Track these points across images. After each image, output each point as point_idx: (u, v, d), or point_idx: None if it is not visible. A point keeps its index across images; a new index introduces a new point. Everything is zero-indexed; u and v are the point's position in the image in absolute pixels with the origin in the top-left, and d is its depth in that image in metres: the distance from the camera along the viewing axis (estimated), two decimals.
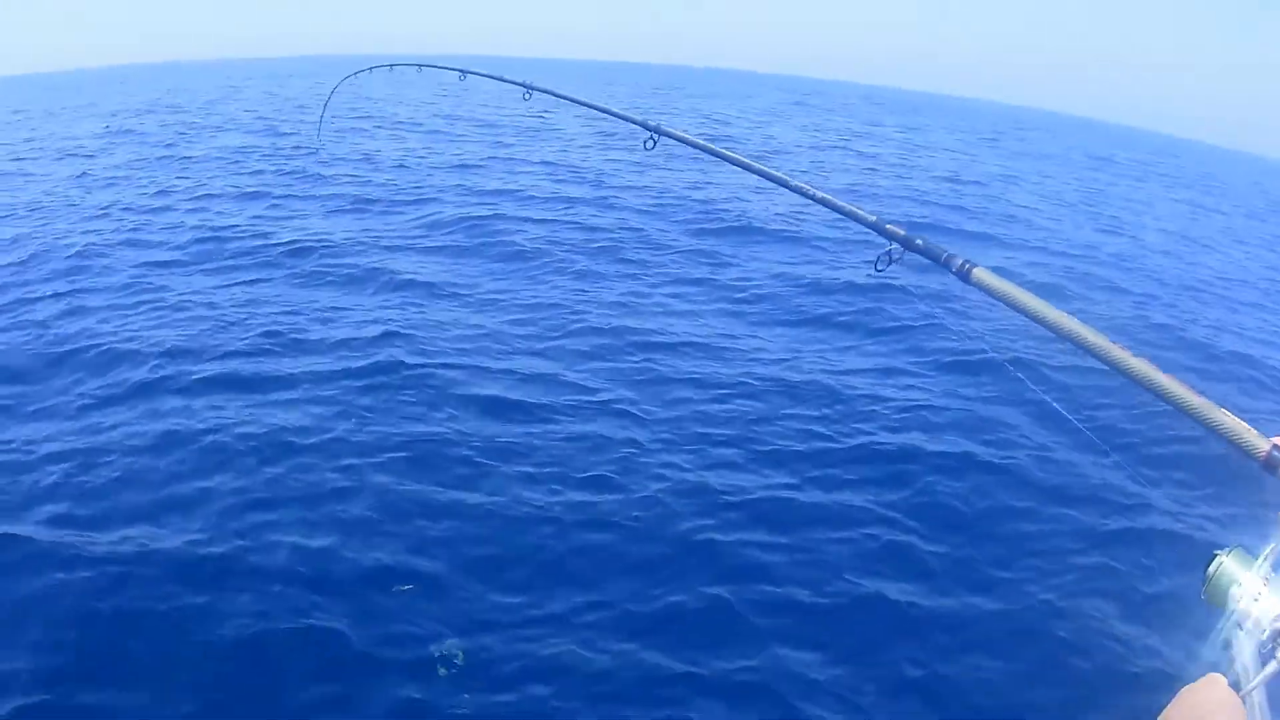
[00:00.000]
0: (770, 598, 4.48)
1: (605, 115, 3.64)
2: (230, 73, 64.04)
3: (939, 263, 1.62)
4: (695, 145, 2.87)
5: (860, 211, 1.93)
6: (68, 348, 7.28)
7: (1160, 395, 1.28)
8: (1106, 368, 1.35)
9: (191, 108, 30.55)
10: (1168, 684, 1.06)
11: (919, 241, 1.73)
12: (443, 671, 3.85)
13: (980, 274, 1.49)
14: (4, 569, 4.35)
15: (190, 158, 17.94)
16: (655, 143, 2.91)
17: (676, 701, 3.77)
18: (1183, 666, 1.08)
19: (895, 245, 1.79)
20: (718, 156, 2.75)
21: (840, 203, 1.97)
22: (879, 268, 1.80)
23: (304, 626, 4.06)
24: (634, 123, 3.06)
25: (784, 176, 2.37)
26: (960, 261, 1.55)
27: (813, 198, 2.21)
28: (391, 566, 4.51)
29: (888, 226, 1.83)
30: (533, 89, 4.57)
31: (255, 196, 13.87)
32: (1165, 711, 1.08)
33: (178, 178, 15.46)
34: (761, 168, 2.51)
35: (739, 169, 2.70)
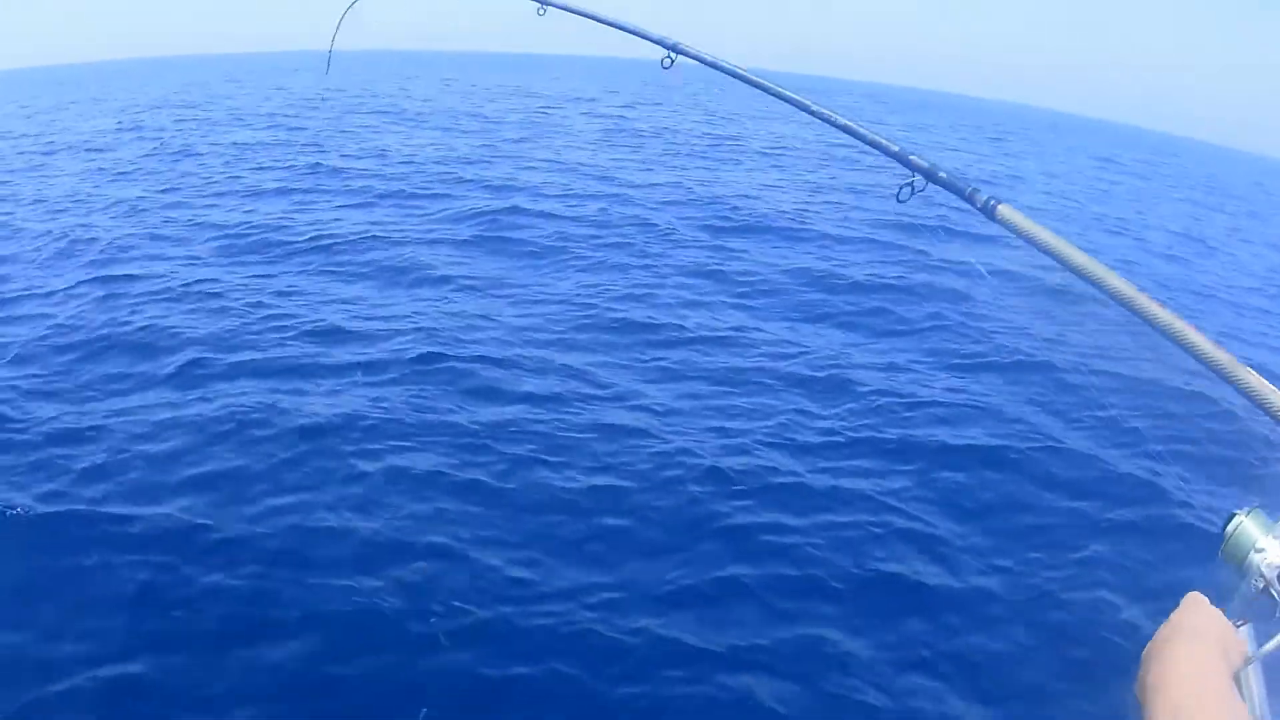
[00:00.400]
0: (785, 577, 4.65)
1: (621, 33, 3.44)
2: (233, 68, 64.17)
3: (963, 197, 1.58)
4: (716, 66, 2.67)
5: (883, 140, 1.87)
6: (101, 335, 7.46)
7: (1185, 348, 1.23)
8: (1137, 320, 1.32)
9: (201, 103, 30.67)
10: None
11: (942, 174, 1.69)
12: (469, 645, 4.02)
13: (1005, 211, 1.47)
14: (56, 549, 4.52)
15: (205, 153, 18.09)
16: (673, 61, 2.78)
17: (695, 677, 3.93)
18: None
19: (918, 177, 1.74)
20: (739, 78, 2.54)
21: (863, 131, 1.92)
22: (901, 199, 1.75)
23: (343, 605, 4.22)
24: (650, 39, 2.95)
25: (805, 101, 2.27)
26: (985, 197, 1.51)
27: (835, 124, 2.14)
28: (422, 547, 4.68)
29: (911, 157, 1.78)
30: (548, 4, 4.44)
31: (273, 192, 14.05)
32: (1155, 635, 1.11)
33: (195, 173, 15.62)
34: (783, 91, 2.38)
35: (761, 92, 2.48)
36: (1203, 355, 1.23)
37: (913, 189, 1.72)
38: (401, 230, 11.60)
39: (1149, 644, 1.10)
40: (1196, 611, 1.11)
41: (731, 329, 8.51)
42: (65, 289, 8.81)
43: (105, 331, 7.55)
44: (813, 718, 3.75)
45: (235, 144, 19.41)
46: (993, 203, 1.48)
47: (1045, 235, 1.42)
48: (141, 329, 7.63)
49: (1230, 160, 71.87)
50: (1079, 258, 1.37)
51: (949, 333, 8.92)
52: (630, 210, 13.60)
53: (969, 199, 1.54)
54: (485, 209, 12.90)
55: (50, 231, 11.18)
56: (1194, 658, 1.00)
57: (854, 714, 3.79)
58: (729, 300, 9.50)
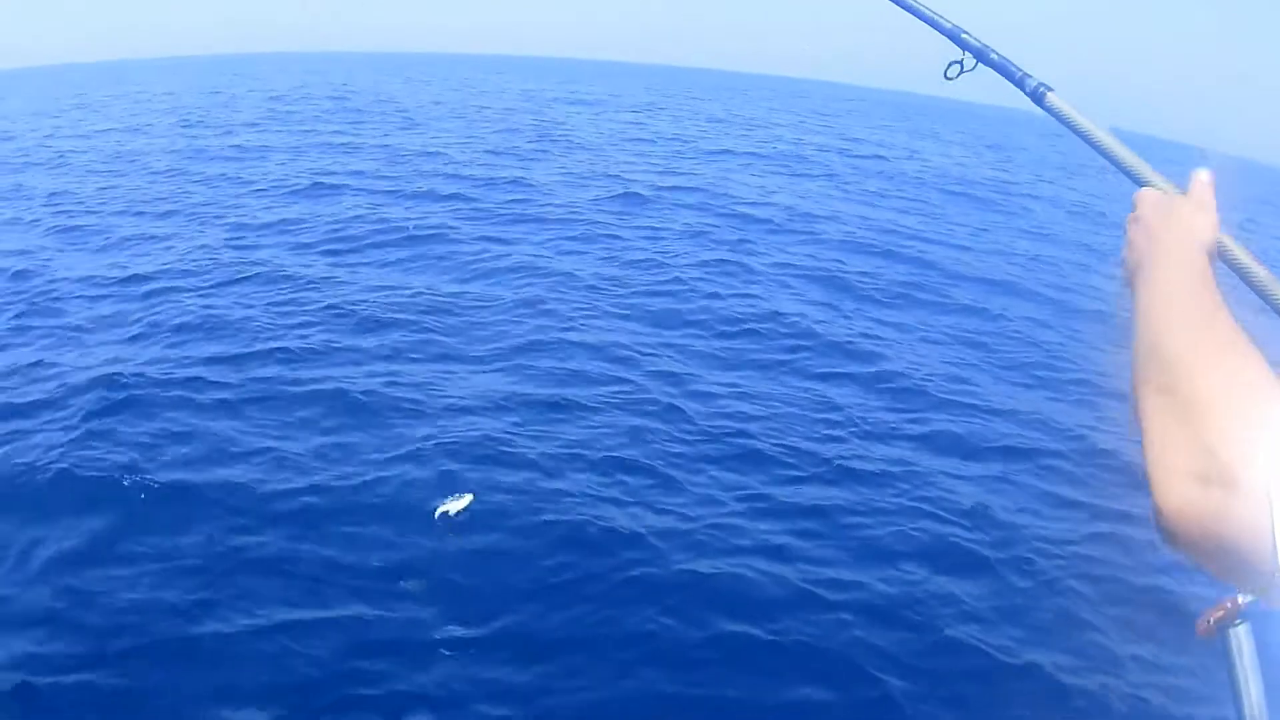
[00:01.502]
0: (831, 539, 5.17)
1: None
2: (231, 68, 64.19)
3: (1013, 81, 1.52)
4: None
5: (937, 16, 1.80)
6: (198, 320, 8.06)
7: (1232, 266, 1.14)
8: None
9: (213, 107, 30.92)
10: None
11: (994, 55, 1.64)
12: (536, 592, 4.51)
13: (1054, 99, 1.44)
14: (192, 517, 4.96)
15: (230, 156, 18.40)
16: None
17: (797, 619, 4.42)
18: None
19: (969, 55, 1.66)
20: None
21: (917, 4, 1.85)
22: (949, 75, 1.68)
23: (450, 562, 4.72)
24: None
25: None
26: (1035, 83, 1.47)
27: None
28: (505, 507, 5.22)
29: (963, 35, 1.70)
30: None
31: (311, 191, 14.58)
32: (1131, 245, 1.09)
33: (232, 175, 15.90)
34: None
35: None
36: (1248, 274, 1.14)
37: (961, 67, 1.69)
38: (446, 227, 12.18)
39: (1127, 251, 1.11)
40: (1165, 213, 1.09)
41: (765, 315, 9.18)
42: (156, 276, 9.38)
43: (202, 317, 8.15)
44: (911, 660, 4.19)
45: (264, 146, 19.77)
46: (1042, 90, 1.45)
47: (1092, 128, 1.36)
48: (231, 316, 8.20)
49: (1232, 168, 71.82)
50: (1125, 154, 1.32)
51: (966, 338, 9.39)
52: (659, 210, 14.22)
53: (1019, 83, 1.50)
54: (518, 211, 13.48)
55: (130, 228, 11.64)
56: (1169, 281, 1.00)
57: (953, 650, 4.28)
58: (769, 292, 10.16)
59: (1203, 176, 1.12)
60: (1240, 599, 1.01)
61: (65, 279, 9.21)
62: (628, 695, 3.91)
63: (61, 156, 18.25)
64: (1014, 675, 4.14)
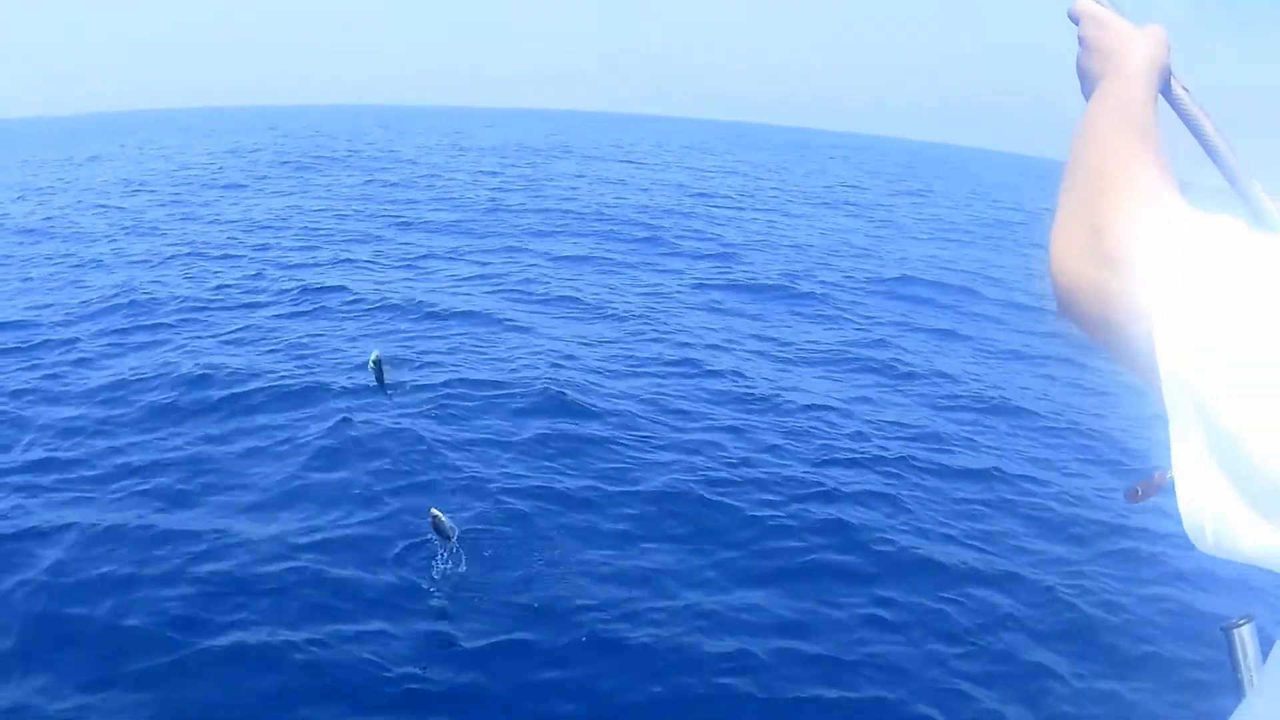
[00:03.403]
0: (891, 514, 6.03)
1: None
2: (224, 121, 64.25)
3: None
4: None
5: None
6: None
7: (1201, 139, 1.10)
8: None
9: (207, 152, 31.15)
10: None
11: None
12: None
13: None
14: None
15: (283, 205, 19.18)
16: None
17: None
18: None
19: None
20: None
21: None
22: None
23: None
24: None
25: None
26: None
27: None
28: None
29: None
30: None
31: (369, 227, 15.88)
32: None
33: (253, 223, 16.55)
34: None
35: None
36: (1184, 109, 1.10)
37: None
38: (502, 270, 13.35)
39: (1084, 62, 1.09)
40: (1125, 36, 1.07)
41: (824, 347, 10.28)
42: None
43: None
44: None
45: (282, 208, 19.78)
46: None
47: None
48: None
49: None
50: None
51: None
52: (682, 261, 15.13)
53: None
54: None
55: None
56: (1114, 92, 1.01)
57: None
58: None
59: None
60: (1169, 473, 1.12)
61: (168, 299, 10.44)
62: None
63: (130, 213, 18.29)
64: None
